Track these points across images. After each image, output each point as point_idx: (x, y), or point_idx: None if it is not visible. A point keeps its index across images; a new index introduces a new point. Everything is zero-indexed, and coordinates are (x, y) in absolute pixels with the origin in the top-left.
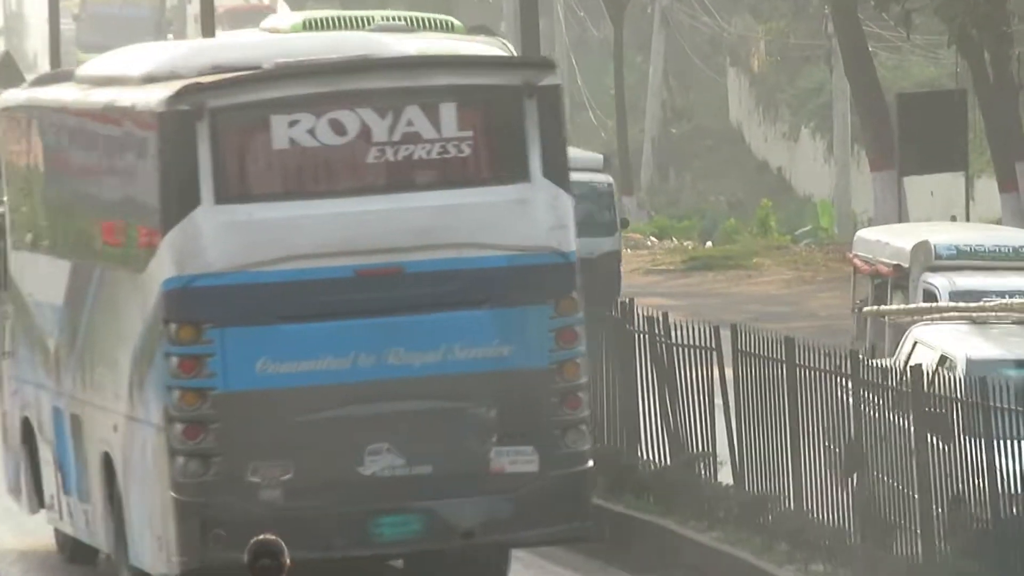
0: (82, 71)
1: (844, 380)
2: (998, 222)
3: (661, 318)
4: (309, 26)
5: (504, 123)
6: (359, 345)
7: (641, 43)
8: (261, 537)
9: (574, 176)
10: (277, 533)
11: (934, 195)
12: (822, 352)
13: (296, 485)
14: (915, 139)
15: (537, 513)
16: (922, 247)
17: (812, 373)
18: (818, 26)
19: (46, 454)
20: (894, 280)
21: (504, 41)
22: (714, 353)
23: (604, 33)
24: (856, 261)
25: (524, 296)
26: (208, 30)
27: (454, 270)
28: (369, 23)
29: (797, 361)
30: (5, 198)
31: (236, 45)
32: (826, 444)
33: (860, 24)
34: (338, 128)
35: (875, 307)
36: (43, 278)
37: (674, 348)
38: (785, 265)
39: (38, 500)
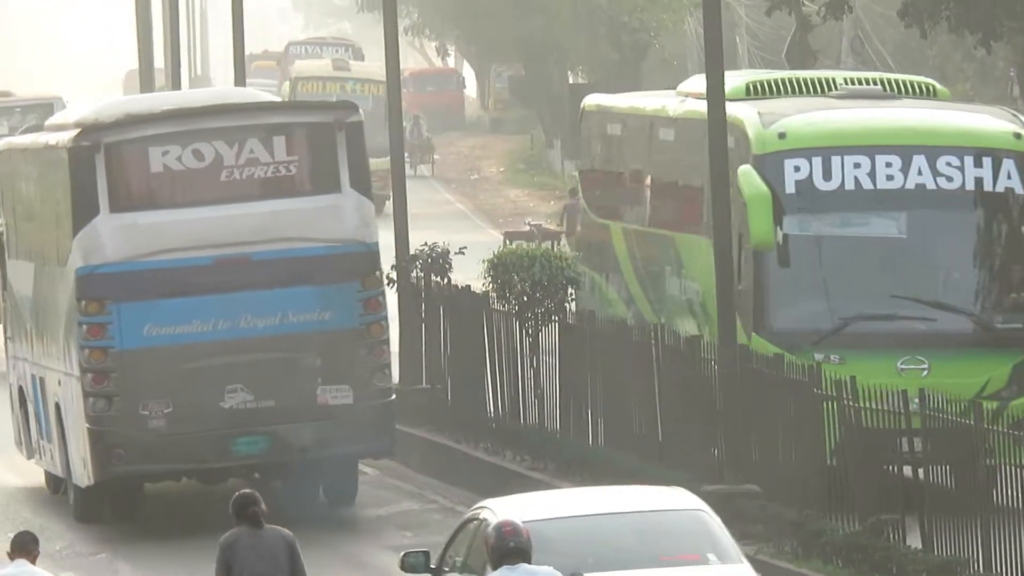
0: (50, 121)
1: None
2: None
3: None
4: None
5: (320, 150)
6: (218, 313)
7: None
8: (244, 491)
9: None
10: (162, 451)
11: None
12: None
13: (175, 416)
14: None
15: (354, 434)
16: None
17: None
18: (1003, 89)
19: (31, 411)
20: None
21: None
22: None
23: None
24: None
25: (338, 276)
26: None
27: (287, 257)
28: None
29: None
30: (2, 219)
31: (144, 98)
32: None
33: None
34: (198, 156)
35: None
36: (21, 277)
37: None
38: None
39: (31, 448)
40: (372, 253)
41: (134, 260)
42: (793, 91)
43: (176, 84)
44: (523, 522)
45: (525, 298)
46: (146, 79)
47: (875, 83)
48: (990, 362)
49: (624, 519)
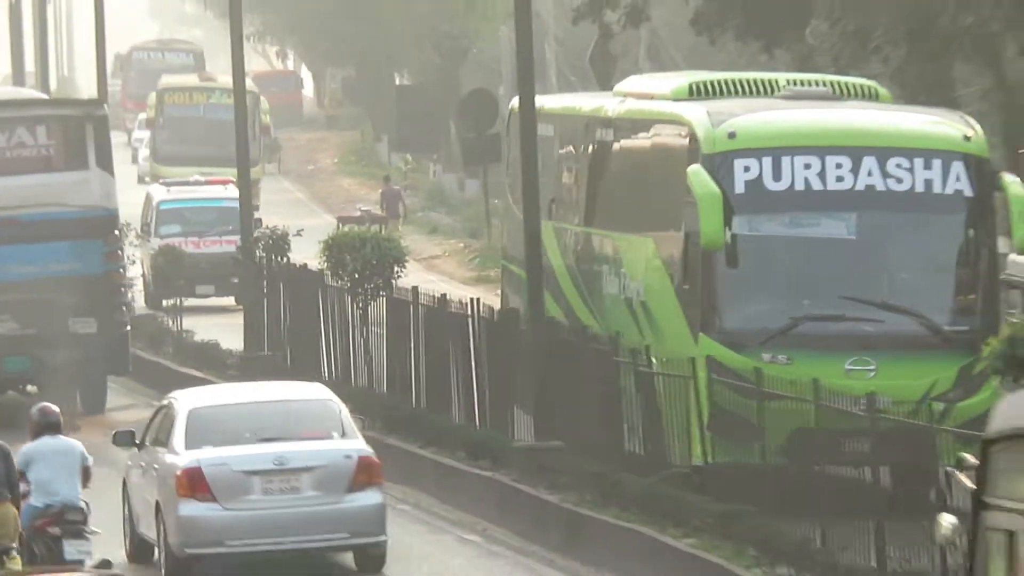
0: None
1: None
2: None
3: None
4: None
5: (74, 136)
6: None
7: None
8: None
9: None
10: None
11: None
12: None
13: None
14: None
15: (100, 358)
16: None
17: None
18: None
19: None
20: None
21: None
22: None
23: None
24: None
25: (87, 233)
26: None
27: (46, 219)
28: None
29: None
30: None
31: None
32: None
33: None
34: None
35: None
36: None
37: None
38: None
39: None
40: (113, 217)
41: None
42: (736, 92)
43: (45, 86)
44: (195, 407)
45: (356, 275)
46: (18, 81)
47: (821, 84)
48: (937, 365)
49: (273, 406)
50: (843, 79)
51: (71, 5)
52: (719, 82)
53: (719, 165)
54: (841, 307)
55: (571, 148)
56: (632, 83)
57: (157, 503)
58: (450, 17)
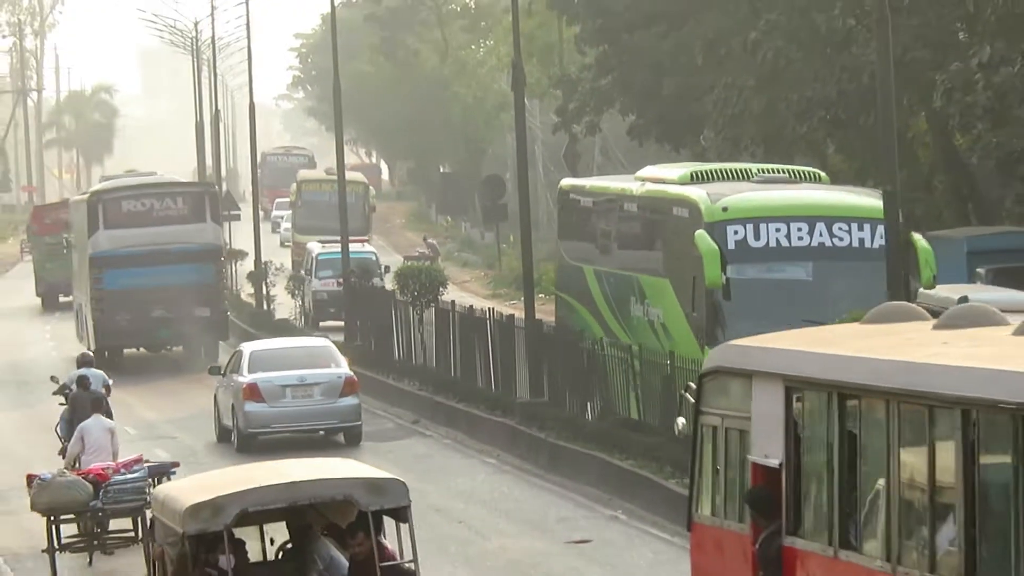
0: None
1: None
2: None
3: None
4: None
5: (197, 202)
6: (151, 277)
7: None
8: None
9: None
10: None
11: None
12: None
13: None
14: None
15: (212, 330)
16: None
17: None
18: None
19: None
20: None
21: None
22: None
23: (565, 178)
24: None
25: (204, 259)
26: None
27: (182, 250)
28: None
29: None
30: None
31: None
32: None
33: None
34: (146, 205)
35: None
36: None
37: None
38: None
39: None
40: (219, 249)
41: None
42: (723, 177)
43: (218, 175)
44: (254, 350)
45: (415, 293)
46: (201, 172)
47: (782, 172)
48: None
49: (296, 349)
50: (797, 168)
51: (235, 121)
52: (712, 171)
53: (716, 230)
54: (802, 326)
55: (606, 215)
56: (648, 171)
57: (232, 405)
58: (475, 128)
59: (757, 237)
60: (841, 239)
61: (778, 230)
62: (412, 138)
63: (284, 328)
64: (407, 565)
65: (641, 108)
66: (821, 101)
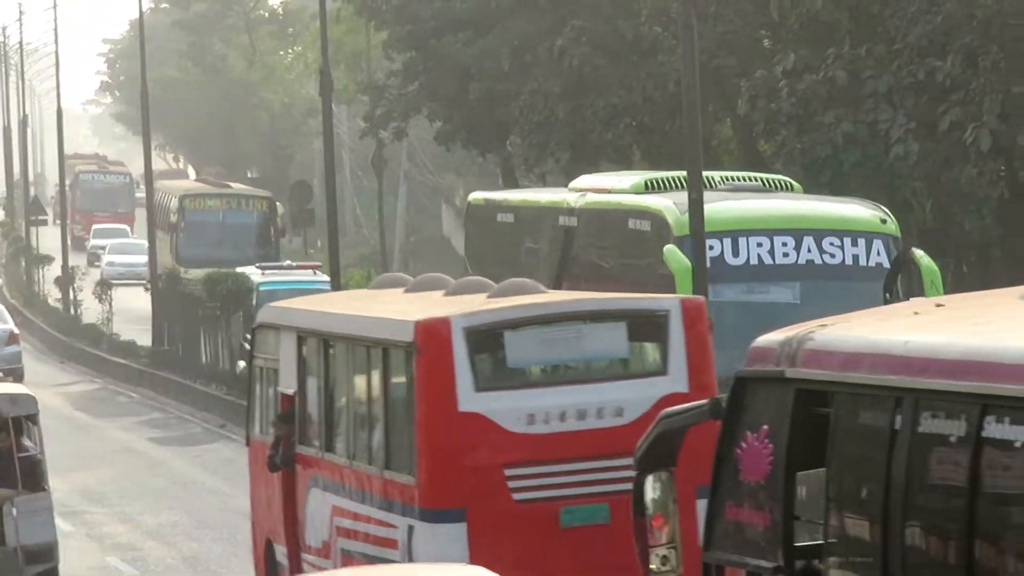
0: None
1: None
2: None
3: None
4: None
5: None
6: None
7: (392, 188)
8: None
9: None
10: None
11: None
12: None
13: None
14: None
15: None
16: None
17: None
18: (494, 181)
19: None
20: None
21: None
22: None
23: (372, 183)
24: None
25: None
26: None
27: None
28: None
29: None
30: None
31: None
32: None
33: None
34: None
35: None
36: None
37: None
38: None
39: None
40: None
41: None
42: (680, 186)
43: (25, 182)
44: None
45: (223, 298)
46: (8, 175)
47: (749, 179)
48: None
49: None
50: (765, 175)
51: (43, 126)
52: (668, 179)
53: (688, 245)
54: None
55: (532, 232)
56: (585, 181)
57: None
58: (283, 134)
59: (736, 253)
60: (832, 255)
61: (760, 245)
62: (220, 144)
63: (92, 332)
64: (38, 456)
65: (448, 114)
66: (627, 108)
